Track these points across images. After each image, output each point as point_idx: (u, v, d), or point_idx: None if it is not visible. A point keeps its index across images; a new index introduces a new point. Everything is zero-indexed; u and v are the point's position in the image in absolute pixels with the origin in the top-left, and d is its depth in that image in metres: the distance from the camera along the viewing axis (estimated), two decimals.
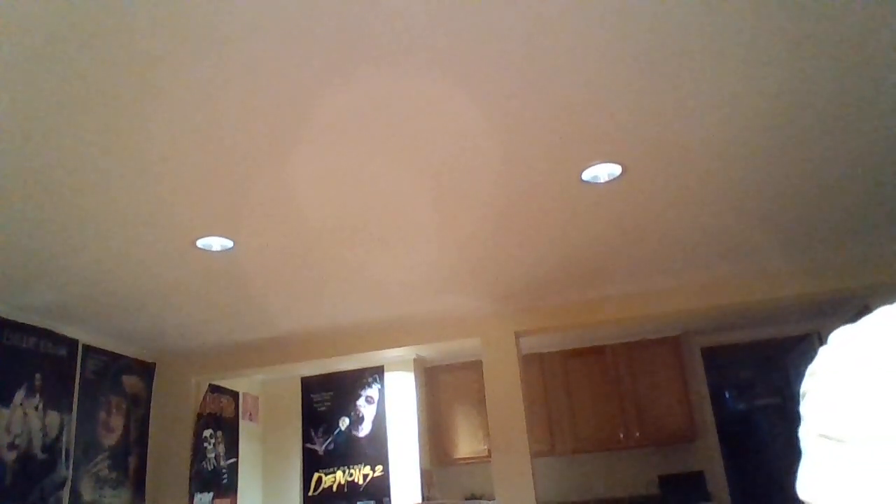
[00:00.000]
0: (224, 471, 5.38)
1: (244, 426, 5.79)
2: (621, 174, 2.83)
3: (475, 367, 5.71)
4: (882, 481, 0.47)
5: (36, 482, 3.78)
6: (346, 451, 5.75)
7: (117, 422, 4.57)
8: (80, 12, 1.69)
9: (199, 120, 2.19)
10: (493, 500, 4.76)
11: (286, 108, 2.18)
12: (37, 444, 3.82)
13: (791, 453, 6.61)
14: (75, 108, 2.07)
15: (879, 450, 0.48)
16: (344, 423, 5.84)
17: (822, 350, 0.57)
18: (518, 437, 4.50)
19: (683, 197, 3.12)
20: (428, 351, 5.59)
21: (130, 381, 4.76)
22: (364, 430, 5.76)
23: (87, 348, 4.34)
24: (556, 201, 3.05)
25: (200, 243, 3.15)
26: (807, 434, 0.55)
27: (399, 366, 5.79)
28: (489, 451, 4.83)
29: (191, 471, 4.86)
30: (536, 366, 5.96)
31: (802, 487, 0.54)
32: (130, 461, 4.66)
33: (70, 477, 4.05)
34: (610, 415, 5.75)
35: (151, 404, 4.96)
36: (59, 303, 3.77)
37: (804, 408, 0.56)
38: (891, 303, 0.59)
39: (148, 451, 4.84)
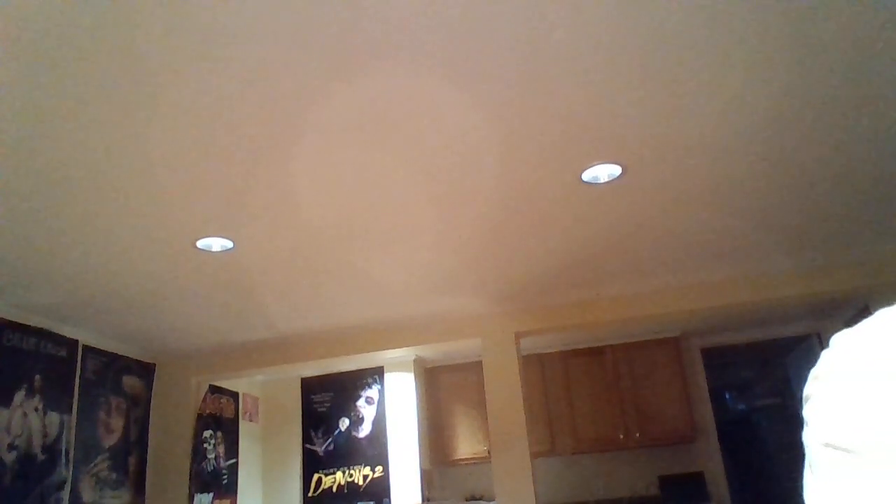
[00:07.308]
0: (224, 471, 5.37)
1: (244, 426, 5.79)
2: (621, 174, 2.83)
3: (475, 367, 5.71)
4: (891, 494, 0.46)
5: (36, 483, 3.78)
6: (346, 452, 5.75)
7: (117, 422, 4.57)
8: (81, 13, 1.70)
9: (199, 120, 2.20)
10: (493, 500, 4.76)
11: (286, 108, 2.18)
12: (37, 444, 3.82)
13: (791, 454, 6.61)
14: (76, 108, 2.07)
15: (887, 461, 0.47)
16: (344, 423, 5.83)
17: (824, 353, 0.56)
18: (518, 438, 4.50)
19: (683, 197, 3.12)
20: (428, 351, 5.59)
21: (130, 382, 4.76)
22: (364, 430, 5.76)
23: (87, 348, 4.34)
24: (556, 202, 3.06)
25: (200, 243, 3.15)
26: (811, 441, 0.53)
27: (399, 366, 5.79)
28: (489, 451, 4.83)
29: (191, 471, 4.85)
30: (536, 366, 5.96)
31: (809, 499, 0.52)
32: (130, 462, 4.66)
33: (70, 478, 4.05)
34: (610, 415, 5.75)
35: (151, 405, 4.96)
36: (59, 303, 3.77)
37: (808, 412, 0.55)
38: (891, 304, 0.58)
39: (148, 451, 4.84)
